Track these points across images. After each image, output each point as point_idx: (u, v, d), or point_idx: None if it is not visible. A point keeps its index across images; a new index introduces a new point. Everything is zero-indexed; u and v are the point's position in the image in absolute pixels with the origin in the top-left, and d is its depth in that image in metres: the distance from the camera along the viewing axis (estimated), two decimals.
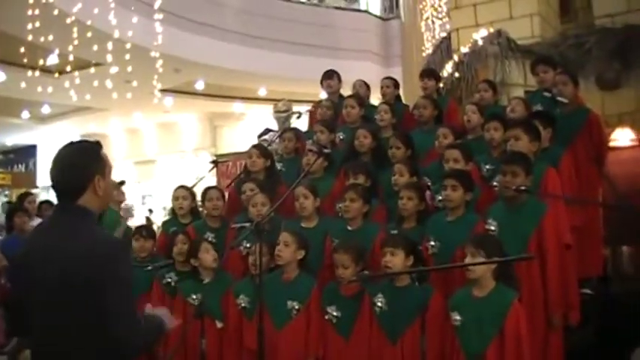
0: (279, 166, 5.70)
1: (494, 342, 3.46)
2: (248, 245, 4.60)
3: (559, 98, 5.32)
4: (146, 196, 19.92)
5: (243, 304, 4.35)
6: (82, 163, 2.51)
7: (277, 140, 6.37)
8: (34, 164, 21.72)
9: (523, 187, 3.98)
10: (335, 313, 4.07)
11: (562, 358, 4.03)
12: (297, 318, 4.16)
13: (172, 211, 5.45)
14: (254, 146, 5.65)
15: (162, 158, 20.73)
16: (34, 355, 2.58)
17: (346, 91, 6.69)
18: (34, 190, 15.74)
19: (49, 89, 13.91)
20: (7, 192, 19.68)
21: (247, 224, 4.59)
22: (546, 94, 5.56)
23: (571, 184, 4.66)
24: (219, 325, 4.41)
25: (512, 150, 4.43)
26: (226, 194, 5.52)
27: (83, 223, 2.47)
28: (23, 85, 13.12)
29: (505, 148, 4.60)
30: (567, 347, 4.06)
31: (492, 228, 4.10)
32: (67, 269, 2.35)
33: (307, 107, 7.08)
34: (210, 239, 4.85)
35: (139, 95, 14.79)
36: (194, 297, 4.51)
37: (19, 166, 23.02)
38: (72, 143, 2.59)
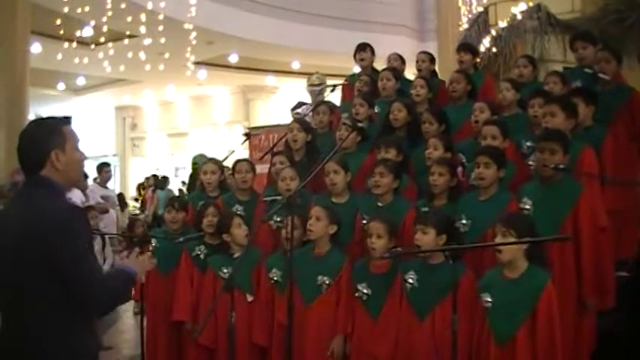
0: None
1: (525, 325, 3.40)
2: (279, 219, 4.59)
3: (601, 75, 5.17)
4: (179, 169, 20.08)
5: (275, 278, 4.35)
6: (40, 138, 2.58)
7: (310, 114, 6.30)
8: None
9: (562, 166, 3.89)
10: (365, 291, 4.03)
11: (594, 343, 3.97)
12: (327, 293, 4.14)
13: (201, 185, 5.43)
14: (295, 120, 5.57)
15: (195, 131, 20.84)
16: (3, 321, 2.64)
17: (380, 65, 6.59)
18: None
19: (85, 60, 14.01)
20: None
21: (278, 197, 4.56)
22: (587, 70, 5.41)
23: (613, 165, 4.53)
24: (249, 298, 4.43)
25: (549, 127, 4.31)
26: (257, 167, 5.48)
27: (41, 192, 2.54)
28: (59, 56, 13.22)
29: None
30: (600, 331, 4.00)
31: (527, 207, 4.01)
32: (20, 235, 2.44)
33: (340, 81, 6.99)
34: (238, 212, 4.84)
35: (172, 67, 14.83)
36: (224, 271, 4.51)
37: None
38: (33, 121, 2.70)
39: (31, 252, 2.42)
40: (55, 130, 2.60)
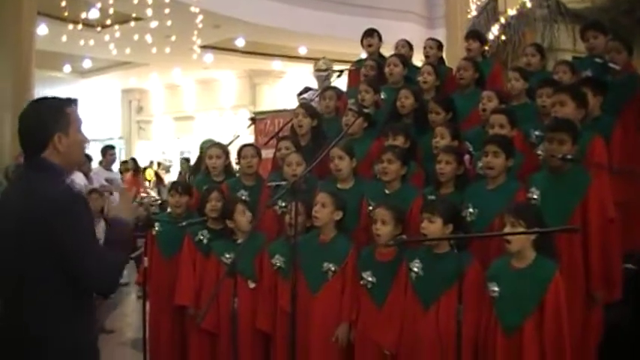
0: None
1: (533, 315, 3.36)
2: (283, 205, 4.55)
3: (611, 64, 5.11)
4: (184, 152, 20.06)
5: (278, 264, 4.32)
6: (42, 120, 2.52)
7: (317, 99, 6.25)
8: None
9: (570, 156, 3.83)
10: (370, 279, 3.99)
11: (601, 335, 3.93)
12: (333, 280, 4.11)
13: (206, 169, 5.39)
14: (301, 105, 5.52)
15: (201, 115, 20.80)
16: (3, 309, 2.60)
17: (387, 51, 6.52)
18: None
19: (91, 42, 13.94)
20: None
21: (283, 183, 4.51)
22: (598, 59, 5.34)
23: (622, 156, 4.47)
24: (251, 285, 4.40)
25: (558, 116, 4.25)
26: (263, 152, 5.44)
27: (42, 175, 2.49)
28: (64, 38, 13.15)
29: None
30: (607, 324, 3.96)
31: (535, 197, 3.96)
32: (21, 220, 2.40)
33: (347, 67, 6.93)
34: (243, 197, 4.80)
35: (179, 51, 14.75)
36: (227, 256, 4.48)
37: None
38: (37, 100, 2.61)
39: (32, 237, 2.37)
40: (59, 111, 2.54)
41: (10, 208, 2.48)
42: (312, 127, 5.27)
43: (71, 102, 2.60)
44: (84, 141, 2.62)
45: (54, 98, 2.62)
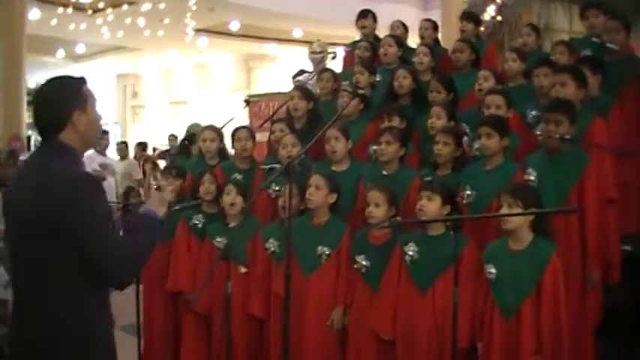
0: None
1: (530, 297, 3.32)
2: (277, 188, 4.48)
3: (608, 44, 5.04)
4: (179, 137, 19.96)
5: (272, 249, 4.26)
6: (60, 99, 2.46)
7: (312, 82, 6.18)
8: None
9: (567, 137, 3.78)
10: (364, 263, 3.93)
11: (600, 317, 3.89)
12: (327, 264, 4.05)
13: (199, 153, 5.31)
14: (296, 88, 5.44)
15: (196, 99, 20.70)
16: (15, 294, 2.55)
17: (382, 34, 6.43)
18: None
19: (82, 26, 13.82)
20: None
21: (277, 165, 4.44)
22: (595, 39, 5.28)
23: (620, 136, 4.41)
24: (242, 270, 4.33)
25: (556, 97, 4.19)
26: (257, 135, 5.37)
27: (57, 157, 2.42)
28: (54, 22, 13.03)
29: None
30: (606, 306, 3.92)
31: (531, 178, 3.91)
32: (35, 201, 2.33)
33: (342, 49, 6.85)
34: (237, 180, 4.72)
35: (172, 35, 14.66)
36: (219, 240, 4.43)
37: None
38: (51, 79, 2.54)
39: (47, 223, 2.30)
40: (76, 89, 2.49)
41: (24, 194, 2.40)
42: (308, 110, 5.19)
43: (85, 80, 2.55)
44: (100, 118, 2.57)
45: (68, 77, 2.56)
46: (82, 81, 2.53)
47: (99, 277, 2.37)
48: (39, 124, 2.49)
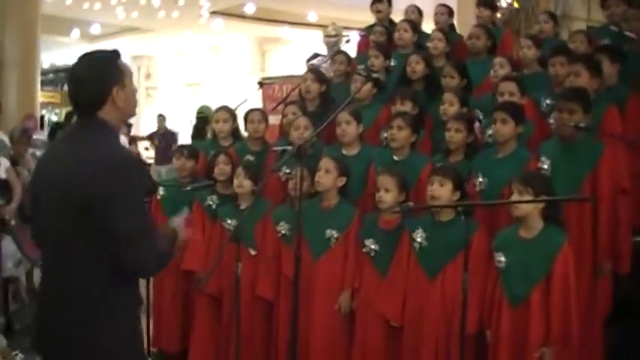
0: None
1: (539, 286, 3.31)
2: (287, 171, 4.48)
3: (627, 33, 5.00)
4: (192, 120, 19.98)
5: (283, 232, 4.26)
6: (99, 74, 2.39)
7: (325, 65, 6.16)
8: None
9: (582, 125, 3.75)
10: (373, 247, 3.93)
11: (609, 307, 3.88)
12: (335, 247, 4.05)
13: (213, 134, 5.32)
14: (309, 70, 5.41)
15: (210, 81, 20.68)
16: (42, 272, 2.51)
17: (397, 18, 6.38)
18: None
19: (97, 6, 13.81)
20: (57, 110, 19.92)
21: (288, 148, 4.44)
22: (613, 28, 5.22)
23: (636, 126, 4.37)
24: (252, 252, 4.33)
25: (571, 86, 4.16)
26: (270, 118, 5.37)
27: (98, 137, 2.36)
28: (69, 1, 13.02)
29: None
30: (616, 296, 3.90)
31: (545, 166, 3.88)
32: (71, 181, 2.27)
33: (356, 32, 6.82)
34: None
35: (187, 16, 14.60)
36: (229, 222, 4.45)
37: None
38: (87, 54, 2.46)
39: (84, 202, 2.23)
40: (113, 64, 2.42)
41: (63, 171, 2.32)
42: (321, 93, 5.17)
43: (119, 54, 2.47)
44: (136, 91, 2.52)
45: (103, 51, 2.49)
46: (117, 55, 2.46)
47: (126, 263, 2.31)
48: (77, 102, 2.41)
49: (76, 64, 2.42)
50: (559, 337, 3.27)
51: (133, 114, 2.55)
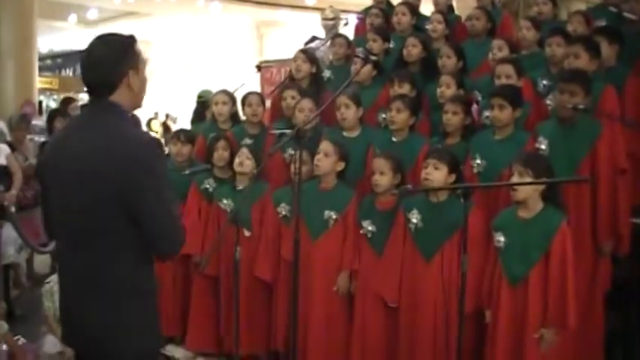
0: (327, 73, 5.49)
1: (538, 265, 3.33)
2: (292, 152, 4.48)
3: (626, 14, 4.97)
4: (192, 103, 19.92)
5: (283, 213, 4.29)
6: (115, 57, 2.34)
7: (323, 48, 6.15)
8: None
9: (581, 106, 3.74)
10: (370, 228, 3.96)
11: (608, 288, 3.90)
12: (334, 228, 4.08)
13: (212, 117, 5.33)
14: (300, 51, 5.41)
15: (207, 65, 20.63)
16: (60, 263, 2.51)
17: (396, 1, 6.38)
18: (81, 95, 15.84)
19: None
20: (55, 96, 19.85)
21: (287, 131, 4.45)
22: (612, 9, 5.20)
23: (634, 106, 4.36)
24: (247, 234, 4.34)
25: (571, 68, 4.15)
26: (268, 102, 5.38)
27: (116, 120, 2.33)
28: None
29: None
30: (617, 277, 3.92)
31: (542, 147, 3.88)
32: (96, 169, 2.24)
33: (354, 15, 6.80)
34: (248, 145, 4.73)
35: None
36: (225, 202, 4.48)
37: (67, 70, 23.18)
38: (102, 36, 2.41)
39: (106, 185, 2.23)
40: (130, 48, 2.38)
41: (80, 155, 2.28)
42: (311, 73, 5.19)
43: (135, 38, 2.44)
44: (147, 80, 2.48)
45: (119, 34, 2.44)
46: (133, 39, 2.42)
47: (152, 246, 2.33)
48: (90, 84, 2.36)
49: (92, 44, 2.38)
50: (556, 318, 3.29)
51: (140, 105, 2.50)
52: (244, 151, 4.48)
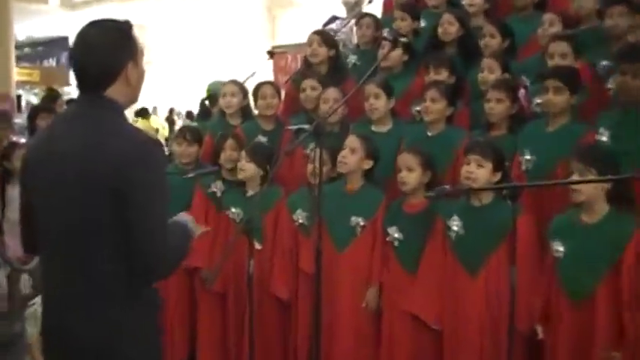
0: (353, 59, 5.49)
1: (606, 279, 3.25)
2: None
3: None
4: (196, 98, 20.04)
5: (300, 221, 4.29)
6: (112, 46, 2.35)
7: (345, 29, 6.18)
8: (66, 58, 21.90)
9: None
10: (396, 235, 3.94)
11: None
12: (362, 237, 4.07)
13: (220, 111, 5.35)
14: (315, 32, 5.39)
15: (212, 52, 20.72)
16: (44, 275, 2.51)
17: None
18: (66, 88, 15.95)
19: None
20: (36, 90, 19.95)
21: (306, 126, 4.47)
22: None
23: None
24: (257, 246, 4.27)
25: (634, 43, 4.11)
26: (282, 92, 5.40)
27: (112, 118, 2.36)
28: None
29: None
30: None
31: (604, 139, 3.82)
32: (90, 170, 2.26)
33: None
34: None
35: None
36: (234, 210, 4.50)
37: (50, 60, 23.34)
38: (96, 22, 2.41)
39: (112, 191, 2.25)
40: (128, 36, 2.39)
41: (79, 159, 2.30)
42: (329, 57, 5.18)
43: (131, 25, 2.44)
44: (144, 73, 2.50)
45: (115, 20, 2.44)
46: (130, 26, 2.42)
47: (137, 263, 2.32)
48: (83, 75, 2.37)
49: (85, 31, 2.38)
50: (633, 341, 3.18)
51: (136, 100, 2.52)
52: (244, 154, 4.48)
